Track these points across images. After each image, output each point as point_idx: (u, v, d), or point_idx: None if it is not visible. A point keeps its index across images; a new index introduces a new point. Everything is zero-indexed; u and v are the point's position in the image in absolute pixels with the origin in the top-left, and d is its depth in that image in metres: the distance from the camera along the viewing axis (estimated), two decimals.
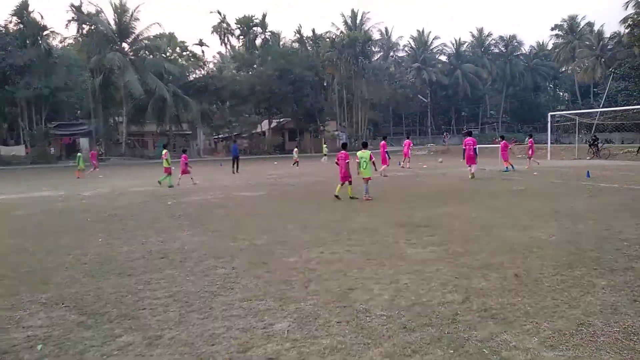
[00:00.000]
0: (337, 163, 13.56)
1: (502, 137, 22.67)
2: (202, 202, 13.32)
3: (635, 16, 42.59)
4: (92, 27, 48.73)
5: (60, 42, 54.38)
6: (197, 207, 12.25)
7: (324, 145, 40.24)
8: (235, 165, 26.47)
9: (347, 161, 12.97)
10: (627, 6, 44.30)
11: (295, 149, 34.33)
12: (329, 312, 4.60)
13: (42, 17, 48.85)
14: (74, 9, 48.56)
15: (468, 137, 19.38)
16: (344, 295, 5.08)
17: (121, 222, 10.23)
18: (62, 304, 5.04)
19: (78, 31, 49.93)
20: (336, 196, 12.99)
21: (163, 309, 4.81)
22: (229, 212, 11.34)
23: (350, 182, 13.15)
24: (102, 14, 50.01)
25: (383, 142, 22.90)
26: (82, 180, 23.48)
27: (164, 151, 19.46)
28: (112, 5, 49.92)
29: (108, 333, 4.25)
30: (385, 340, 3.95)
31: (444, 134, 72.25)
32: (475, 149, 18.89)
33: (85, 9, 49.23)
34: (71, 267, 6.50)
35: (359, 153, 13.34)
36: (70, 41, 53.86)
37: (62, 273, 6.23)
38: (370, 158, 13.18)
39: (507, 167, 21.66)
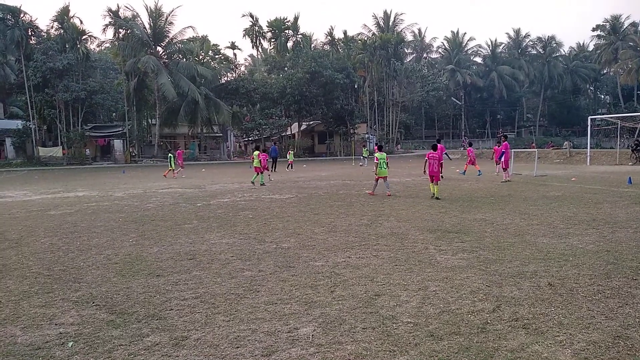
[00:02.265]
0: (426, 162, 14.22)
1: (506, 137, 21.36)
2: (231, 204, 13.45)
3: None
4: (128, 31, 50.01)
5: (98, 46, 56.21)
6: (225, 209, 12.37)
7: (365, 149, 38.62)
8: (274, 166, 29.06)
9: (440, 161, 14.47)
10: None
11: (290, 152, 34.79)
12: (354, 317, 4.55)
13: (81, 22, 50.65)
14: (112, 14, 50.01)
15: (505, 141, 19.35)
16: (371, 301, 5.01)
17: (152, 223, 10.42)
18: (93, 302, 5.15)
19: (114, 35, 51.37)
20: (437, 197, 13.51)
21: (190, 310, 4.85)
22: (257, 214, 11.40)
23: (437, 182, 13.82)
24: (138, 18, 51.31)
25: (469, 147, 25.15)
26: (115, 182, 24.10)
27: (256, 152, 20.23)
28: (147, 10, 51.19)
29: (136, 332, 4.31)
30: (411, 348, 3.87)
31: (463, 138, 71.35)
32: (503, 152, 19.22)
33: (122, 13, 50.55)
34: (102, 267, 6.65)
35: (377, 154, 14.91)
36: (107, 45, 55.55)
37: (93, 272, 6.38)
38: (386, 158, 14.97)
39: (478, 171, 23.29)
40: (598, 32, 71.12)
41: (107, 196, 16.45)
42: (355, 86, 61.95)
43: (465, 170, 23.87)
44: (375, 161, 14.94)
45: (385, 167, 14.80)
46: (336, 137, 60.18)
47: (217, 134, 60.32)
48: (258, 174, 19.40)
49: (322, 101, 55.30)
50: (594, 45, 74.83)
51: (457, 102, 78.42)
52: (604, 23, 69.98)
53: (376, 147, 16.33)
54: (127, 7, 51.33)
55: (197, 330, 4.33)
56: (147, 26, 51.48)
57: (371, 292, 5.27)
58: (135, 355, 3.86)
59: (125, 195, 16.76)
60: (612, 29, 69.01)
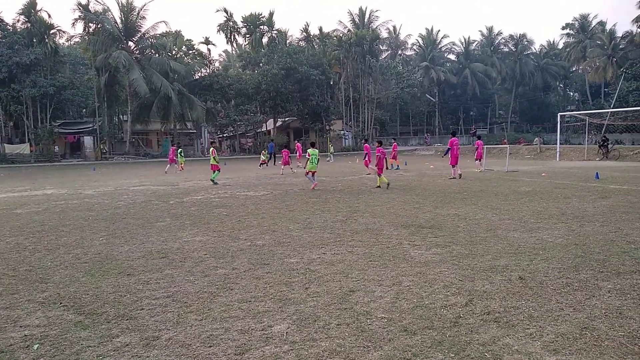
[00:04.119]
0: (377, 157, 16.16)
1: (453, 134, 21.31)
2: (205, 202, 13.28)
3: None
4: (99, 26, 48.80)
5: (67, 40, 54.64)
6: (199, 207, 12.21)
7: (330, 145, 40.47)
8: (273, 160, 32.30)
9: (385, 156, 16.19)
10: None
11: (263, 151, 34.83)
12: (329, 314, 4.53)
13: (49, 16, 49.09)
14: (81, 8, 48.68)
15: (453, 137, 19.52)
16: (345, 297, 5.01)
17: (123, 221, 10.20)
18: (60, 303, 5.01)
19: (84, 30, 50.02)
20: (379, 186, 15.67)
21: (161, 310, 4.76)
22: (231, 211, 11.29)
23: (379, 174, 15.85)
24: (109, 13, 50.12)
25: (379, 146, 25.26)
26: (85, 179, 23.56)
27: (211, 149, 19.81)
28: (118, 4, 50.04)
29: (105, 333, 4.21)
30: (385, 343, 3.88)
31: (425, 134, 72.69)
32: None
33: (92, 7, 49.31)
34: (71, 266, 6.47)
35: (309, 150, 16.23)
36: (77, 40, 54.05)
37: (61, 272, 6.20)
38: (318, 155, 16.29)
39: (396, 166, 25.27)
40: (567, 31, 72.77)
41: (77, 194, 16.04)
42: (331, 82, 61.98)
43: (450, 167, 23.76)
44: (307, 156, 16.17)
45: (315, 162, 16.12)
46: (312, 133, 60.09)
47: (191, 131, 59.55)
48: (215, 171, 18.99)
49: (297, 97, 55.14)
50: (563, 43, 76.53)
51: (431, 98, 79.25)
52: (573, 22, 71.64)
53: (309, 145, 17.82)
54: (97, 1, 49.92)
55: (169, 330, 4.25)
56: (119, 20, 50.39)
57: (346, 288, 5.27)
58: (104, 357, 3.76)
59: (96, 193, 16.38)
60: (581, 28, 70.73)
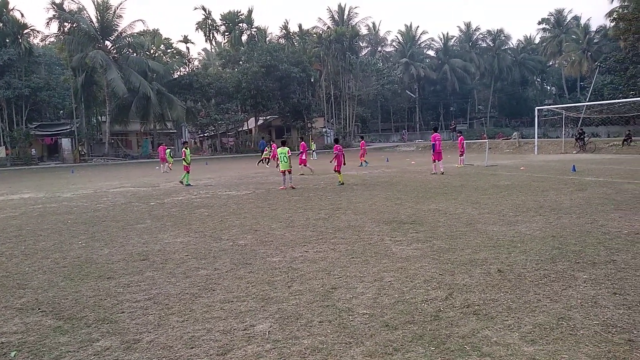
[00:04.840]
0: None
1: (435, 129, 20.84)
2: (186, 202, 13.18)
3: (620, 10, 43.07)
4: (74, 25, 47.91)
5: (42, 40, 53.61)
6: (180, 208, 12.11)
7: (312, 143, 40.76)
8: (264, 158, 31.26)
9: (342, 153, 16.39)
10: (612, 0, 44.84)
11: (266, 148, 34.19)
12: (311, 312, 4.55)
13: (22, 15, 48.26)
14: (55, 7, 47.70)
15: (435, 133, 19.58)
16: (327, 294, 5.03)
17: (103, 223, 10.07)
18: (39, 308, 4.93)
19: (59, 29, 49.04)
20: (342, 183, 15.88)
21: (142, 312, 4.72)
22: (213, 212, 11.23)
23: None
24: (84, 12, 49.19)
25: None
26: (63, 182, 23.16)
27: (183, 149, 19.35)
28: (94, 3, 49.17)
29: (85, 338, 4.16)
30: (367, 338, 3.91)
31: (403, 131, 73.50)
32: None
33: (67, 6, 48.34)
34: (49, 271, 6.36)
35: (278, 150, 16.09)
36: (52, 39, 53.05)
37: (39, 277, 6.10)
38: (288, 153, 15.84)
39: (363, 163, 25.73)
40: (543, 26, 74.06)
41: (55, 197, 15.77)
42: (312, 80, 61.96)
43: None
44: (275, 155, 15.99)
45: (285, 161, 15.58)
46: (294, 131, 60.01)
47: (171, 130, 58.91)
48: (187, 173, 18.37)
49: (278, 95, 54.97)
50: (540, 38, 77.89)
51: (412, 95, 79.82)
52: (549, 17, 72.94)
53: (280, 143, 17.44)
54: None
55: (150, 333, 4.22)
56: (94, 20, 49.54)
57: (328, 286, 5.29)
58: None
59: (74, 195, 16.11)
60: (557, 23, 72.03)
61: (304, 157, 21.80)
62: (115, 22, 50.06)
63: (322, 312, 4.53)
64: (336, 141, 17.62)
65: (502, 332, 3.93)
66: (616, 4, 44.63)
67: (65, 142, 49.54)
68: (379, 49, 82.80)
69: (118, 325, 4.42)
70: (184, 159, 18.50)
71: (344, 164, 17.08)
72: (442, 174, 18.31)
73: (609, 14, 45.54)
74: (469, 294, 4.85)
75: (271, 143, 30.35)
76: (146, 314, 4.68)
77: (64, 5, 48.14)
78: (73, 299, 5.20)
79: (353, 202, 11.87)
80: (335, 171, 16.44)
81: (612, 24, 45.69)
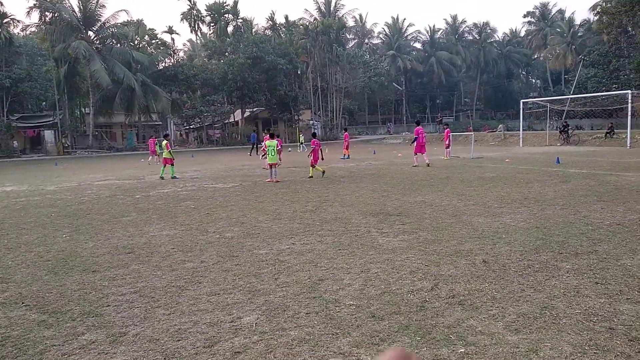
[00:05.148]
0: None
1: (418, 123, 21.13)
2: (172, 195, 13.09)
3: (604, 3, 43.53)
4: (56, 15, 46.99)
5: (22, 30, 52.46)
6: (166, 200, 12.02)
7: (300, 135, 41.03)
8: (254, 149, 31.76)
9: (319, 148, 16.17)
10: None
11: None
12: (298, 303, 4.57)
13: (1, 4, 46.98)
14: None
15: (419, 126, 19.78)
16: (314, 286, 5.05)
17: (87, 216, 9.96)
18: (22, 303, 4.86)
19: (40, 19, 48.04)
20: (311, 177, 15.84)
21: (128, 305, 4.69)
22: (200, 204, 11.17)
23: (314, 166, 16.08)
24: (66, 1, 48.34)
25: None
26: (47, 175, 22.83)
27: (165, 142, 18.71)
28: None
29: (70, 332, 4.12)
30: (353, 329, 3.94)
31: (388, 124, 73.87)
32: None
33: None
34: (33, 265, 6.28)
35: (267, 142, 15.84)
36: (33, 29, 51.99)
37: (23, 271, 6.01)
38: (277, 146, 15.94)
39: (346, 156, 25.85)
40: (529, 19, 74.65)
41: (38, 190, 15.53)
42: (299, 72, 61.70)
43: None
44: (263, 148, 15.57)
45: (274, 154, 15.35)
46: (280, 123, 59.80)
47: (156, 122, 58.35)
48: (165, 165, 18.06)
49: (265, 87, 54.66)
50: (525, 31, 78.51)
51: (399, 87, 79.99)
52: (534, 10, 73.49)
53: (267, 135, 17.27)
54: None
55: (136, 326, 4.20)
56: (77, 9, 48.70)
57: (315, 277, 5.31)
58: (69, 355, 3.69)
59: (58, 188, 15.89)
60: (542, 16, 72.62)
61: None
62: (98, 12, 49.27)
63: (309, 303, 4.55)
64: (314, 135, 17.74)
65: (486, 321, 3.98)
66: None
67: (48, 134, 48.77)
68: (366, 41, 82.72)
69: (103, 318, 4.39)
70: (169, 151, 18.02)
71: (322, 158, 17.05)
72: (428, 165, 18.43)
73: (593, 8, 46.08)
74: (454, 284, 4.90)
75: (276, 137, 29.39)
76: (132, 307, 4.65)
77: None
78: (57, 292, 5.14)
79: (340, 194, 11.90)
80: (311, 165, 16.26)
81: (596, 18, 46.19)
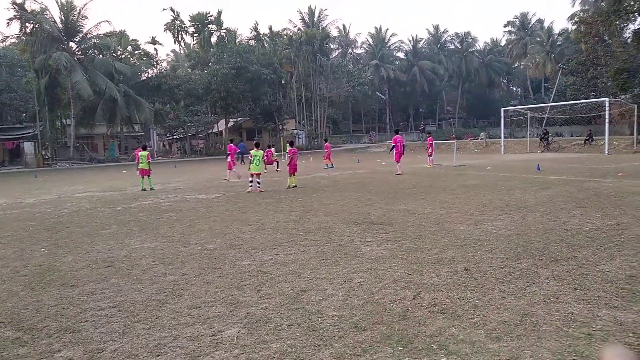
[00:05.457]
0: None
1: (397, 132, 22.01)
2: (154, 207, 12.94)
3: (581, 13, 44.51)
4: (37, 26, 46.46)
5: (2, 41, 51.69)
6: (147, 212, 11.88)
7: (287, 144, 40.62)
8: (241, 160, 31.16)
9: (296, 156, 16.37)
10: (574, 3, 46.45)
11: (273, 148, 32.44)
12: (280, 315, 4.53)
13: None
14: (16, 7, 46.15)
15: (397, 135, 20.15)
16: (297, 297, 5.01)
17: (66, 230, 9.78)
18: None
19: (21, 30, 47.41)
20: (290, 187, 15.87)
21: (107, 320, 4.60)
22: (182, 215, 11.06)
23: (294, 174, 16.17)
24: (47, 12, 47.83)
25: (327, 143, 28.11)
26: (26, 187, 22.41)
27: (147, 153, 18.11)
28: (58, 3, 47.82)
29: (46, 349, 4.02)
30: (335, 340, 3.91)
31: (370, 132, 74.50)
32: (404, 146, 20.53)
33: (29, 6, 46.81)
34: (9, 280, 6.14)
35: (252, 152, 15.47)
36: (13, 40, 51.23)
37: None
38: (263, 156, 16.06)
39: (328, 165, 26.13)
40: (509, 28, 76.00)
41: (16, 203, 15.23)
42: (283, 82, 61.80)
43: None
44: (249, 157, 15.48)
45: (258, 164, 15.27)
46: (265, 133, 59.71)
47: (139, 133, 57.81)
48: (143, 177, 17.63)
49: (249, 97, 54.62)
50: (505, 40, 79.84)
51: (382, 96, 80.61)
52: (514, 19, 74.88)
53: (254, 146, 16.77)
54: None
55: (114, 341, 4.11)
56: (58, 20, 48.19)
57: (297, 288, 5.28)
58: None
59: (37, 201, 15.61)
60: (522, 25, 74.02)
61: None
62: (80, 23, 48.83)
63: (292, 315, 4.51)
64: (291, 144, 17.85)
65: (468, 329, 3.99)
66: (577, 7, 46.24)
67: (28, 146, 47.94)
68: (350, 50, 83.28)
69: (81, 334, 4.29)
70: (148, 162, 17.59)
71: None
72: (399, 174, 18.60)
73: (571, 17, 47.05)
74: (437, 292, 4.91)
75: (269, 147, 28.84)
76: (110, 322, 4.56)
77: (25, 5, 46.63)
78: (34, 308, 5.03)
79: (324, 203, 11.89)
80: (290, 174, 16.25)
81: (574, 27, 47.11)
